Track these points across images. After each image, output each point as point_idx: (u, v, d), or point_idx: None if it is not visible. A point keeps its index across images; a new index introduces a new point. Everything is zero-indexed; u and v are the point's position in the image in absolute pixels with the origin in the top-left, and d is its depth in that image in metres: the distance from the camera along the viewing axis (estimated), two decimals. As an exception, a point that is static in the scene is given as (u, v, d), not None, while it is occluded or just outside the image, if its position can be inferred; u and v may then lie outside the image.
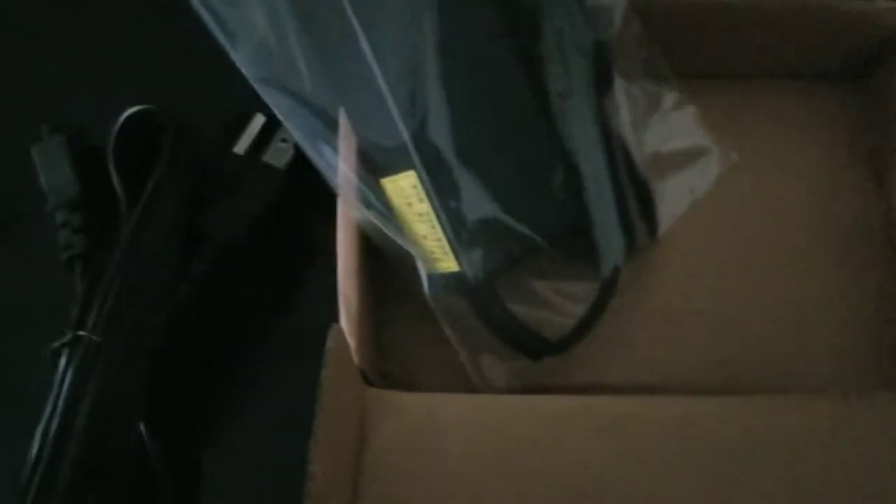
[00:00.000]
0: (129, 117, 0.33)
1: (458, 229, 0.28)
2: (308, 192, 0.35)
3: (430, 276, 0.30)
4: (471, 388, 0.31)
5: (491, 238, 0.29)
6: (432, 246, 0.29)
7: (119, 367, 0.29)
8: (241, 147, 0.35)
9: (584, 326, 0.31)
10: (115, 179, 0.33)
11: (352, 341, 0.28)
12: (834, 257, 0.35)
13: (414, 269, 0.30)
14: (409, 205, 0.29)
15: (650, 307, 0.33)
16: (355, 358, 0.29)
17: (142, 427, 0.30)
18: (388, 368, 0.33)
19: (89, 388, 0.29)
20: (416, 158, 0.27)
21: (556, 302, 0.32)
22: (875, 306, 0.34)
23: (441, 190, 0.28)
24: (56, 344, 0.30)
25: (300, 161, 0.35)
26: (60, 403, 0.29)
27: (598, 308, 0.31)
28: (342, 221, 0.29)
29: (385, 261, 0.32)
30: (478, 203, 0.28)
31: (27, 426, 0.29)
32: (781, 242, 0.35)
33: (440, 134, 0.27)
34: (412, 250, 0.30)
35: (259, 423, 0.33)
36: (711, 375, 0.32)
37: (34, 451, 0.28)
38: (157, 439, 0.30)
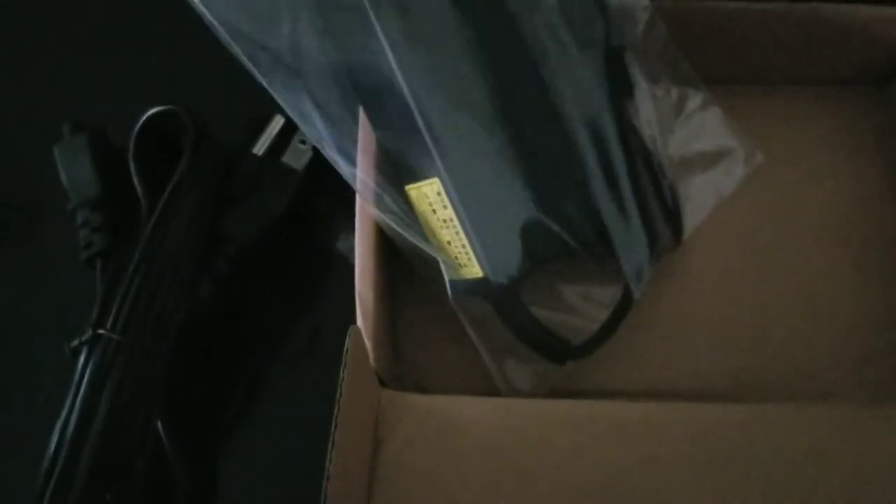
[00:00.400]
0: (150, 117, 0.33)
1: (482, 235, 0.28)
2: (326, 194, 0.36)
3: (454, 281, 0.30)
4: (484, 392, 0.32)
5: (517, 243, 0.29)
6: (456, 252, 0.29)
7: (138, 366, 0.30)
8: (259, 148, 0.35)
9: (607, 330, 0.31)
10: (136, 179, 0.33)
11: (367, 343, 0.28)
12: (851, 264, 0.34)
13: (432, 270, 0.30)
14: (434, 211, 0.29)
15: (672, 312, 0.33)
16: (371, 360, 0.29)
17: (159, 425, 0.30)
18: (401, 371, 0.33)
19: (108, 386, 0.29)
20: (440, 165, 0.27)
21: (581, 306, 0.32)
22: (892, 314, 0.33)
23: (465, 196, 0.28)
24: (76, 342, 0.30)
25: (319, 162, 0.35)
26: (79, 401, 0.29)
27: (620, 312, 0.31)
28: (360, 222, 0.29)
29: (402, 262, 0.32)
30: (508, 206, 0.28)
31: (46, 424, 0.29)
32: (799, 247, 0.35)
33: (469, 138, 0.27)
34: (436, 255, 0.30)
35: (275, 422, 0.33)
36: (729, 380, 0.32)
37: (52, 448, 0.29)
38: (173, 437, 0.31)
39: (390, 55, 0.26)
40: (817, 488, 0.27)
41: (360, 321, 0.28)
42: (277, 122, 0.35)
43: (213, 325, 0.33)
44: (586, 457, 0.28)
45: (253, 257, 0.34)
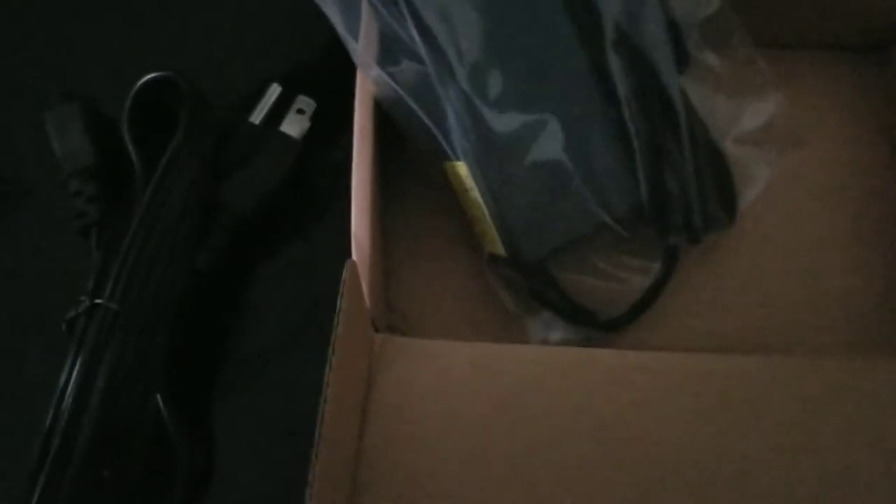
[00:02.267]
0: (145, 83, 0.33)
1: (506, 220, 0.29)
2: (324, 163, 0.35)
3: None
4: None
5: (545, 223, 0.29)
6: (485, 227, 0.30)
7: (137, 337, 0.29)
8: (257, 117, 0.34)
9: (642, 306, 0.32)
10: (131, 147, 0.32)
11: (363, 285, 0.28)
12: (851, 228, 0.34)
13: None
14: (466, 190, 0.30)
15: (697, 279, 0.33)
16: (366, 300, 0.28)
17: (158, 398, 0.30)
18: (394, 321, 0.32)
19: (106, 357, 0.28)
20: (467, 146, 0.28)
21: (613, 272, 0.32)
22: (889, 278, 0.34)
23: (489, 176, 0.28)
24: (73, 312, 0.29)
25: (317, 131, 0.35)
26: (76, 374, 0.28)
27: (656, 288, 0.31)
28: (358, 162, 0.29)
29: (397, 214, 0.32)
30: (539, 184, 0.29)
31: (40, 398, 0.28)
32: (801, 212, 0.35)
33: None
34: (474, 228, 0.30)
35: (276, 393, 0.32)
36: (744, 342, 0.32)
37: (48, 422, 0.28)
38: (173, 410, 0.30)
39: None
40: (806, 434, 0.27)
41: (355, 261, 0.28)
42: (274, 91, 0.35)
43: (212, 295, 0.32)
44: (579, 399, 0.27)
45: (252, 227, 0.33)
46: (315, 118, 0.35)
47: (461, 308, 0.33)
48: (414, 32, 0.28)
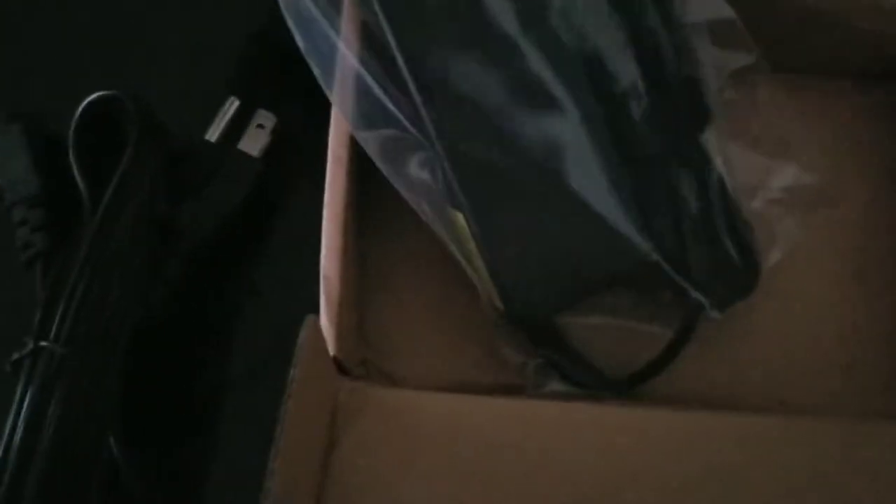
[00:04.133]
0: (89, 104, 0.31)
1: (501, 273, 0.28)
2: (289, 180, 0.33)
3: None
4: (459, 384, 0.30)
5: (554, 274, 0.28)
6: (484, 282, 0.28)
7: (86, 380, 0.27)
8: (213, 133, 0.33)
9: (650, 372, 0.30)
10: (78, 172, 0.30)
11: (329, 328, 0.27)
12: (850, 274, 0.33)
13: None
14: (468, 239, 0.28)
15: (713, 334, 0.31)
16: (331, 347, 0.27)
17: (112, 440, 0.28)
18: (367, 356, 0.31)
19: (53, 402, 0.27)
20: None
21: (633, 331, 0.30)
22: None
23: (487, 233, 0.27)
24: (16, 355, 0.27)
25: (279, 146, 0.33)
26: (22, 420, 0.26)
27: (669, 352, 0.30)
28: (330, 197, 0.28)
29: (375, 242, 0.31)
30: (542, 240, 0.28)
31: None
32: (825, 272, 0.33)
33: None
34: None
35: (238, 426, 0.31)
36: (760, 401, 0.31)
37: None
38: (128, 451, 0.28)
39: None
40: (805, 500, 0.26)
41: (323, 304, 0.27)
42: (232, 105, 0.33)
43: (170, 326, 0.30)
44: (560, 463, 0.26)
45: (211, 252, 0.31)
46: (277, 133, 0.33)
47: (441, 341, 0.31)
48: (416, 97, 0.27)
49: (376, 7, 0.27)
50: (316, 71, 0.27)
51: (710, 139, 0.29)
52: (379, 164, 0.28)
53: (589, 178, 0.27)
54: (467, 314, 0.30)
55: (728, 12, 0.29)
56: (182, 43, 0.36)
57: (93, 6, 0.36)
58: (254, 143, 0.33)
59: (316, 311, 0.27)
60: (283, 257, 0.33)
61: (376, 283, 0.32)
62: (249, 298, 0.32)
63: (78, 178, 0.30)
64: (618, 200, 0.28)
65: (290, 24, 0.27)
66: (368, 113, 0.28)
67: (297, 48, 0.27)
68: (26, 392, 0.27)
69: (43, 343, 0.27)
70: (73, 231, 0.30)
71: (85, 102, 0.31)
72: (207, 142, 0.32)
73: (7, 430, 0.27)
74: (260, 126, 0.33)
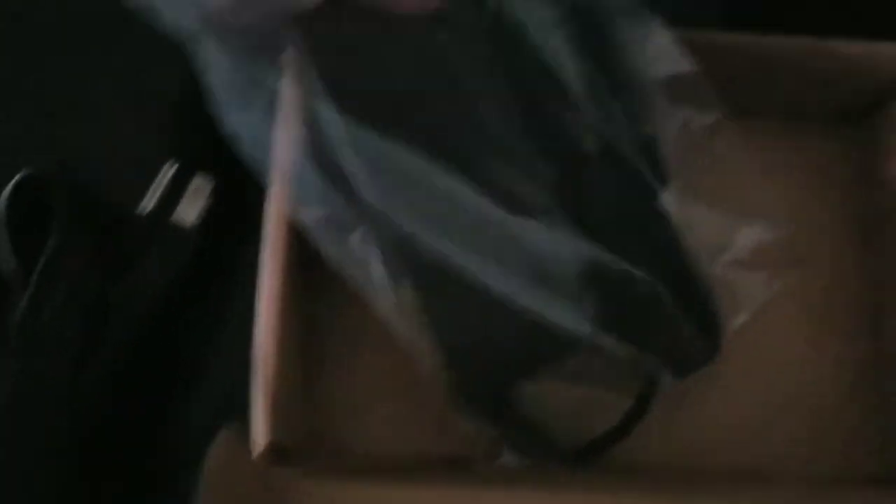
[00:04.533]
0: (16, 184, 0.30)
1: (450, 350, 0.27)
2: (228, 248, 0.32)
3: None
4: (406, 451, 0.30)
5: (501, 349, 0.27)
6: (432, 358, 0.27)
7: (16, 479, 0.27)
8: (150, 201, 0.32)
9: (604, 443, 0.29)
10: (6, 254, 0.29)
11: (264, 408, 0.26)
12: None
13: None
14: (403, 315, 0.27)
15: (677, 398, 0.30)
16: (265, 433, 0.26)
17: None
18: (315, 425, 0.30)
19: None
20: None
21: (589, 401, 0.29)
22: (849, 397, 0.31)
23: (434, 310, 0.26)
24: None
25: (219, 212, 0.32)
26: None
27: (627, 424, 0.29)
28: (269, 254, 0.27)
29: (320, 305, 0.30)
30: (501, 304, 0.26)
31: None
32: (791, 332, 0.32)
33: None
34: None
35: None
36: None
37: None
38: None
39: None
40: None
41: (259, 382, 0.26)
42: (167, 172, 0.32)
43: (106, 413, 0.30)
44: None
45: (148, 329, 0.31)
46: (214, 198, 0.32)
47: (393, 409, 0.30)
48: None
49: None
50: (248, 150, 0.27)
51: (669, 201, 0.28)
52: (318, 241, 0.27)
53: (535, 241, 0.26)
54: (420, 382, 0.29)
55: (687, 66, 0.28)
56: (123, 104, 0.35)
57: (27, 74, 0.35)
58: (191, 208, 0.32)
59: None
60: (226, 325, 0.32)
61: (328, 349, 0.31)
62: (190, 374, 0.31)
63: (6, 261, 0.29)
64: (567, 265, 0.26)
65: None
66: (306, 192, 0.27)
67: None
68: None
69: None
70: (2, 316, 0.29)
71: (11, 183, 0.30)
72: (137, 216, 0.31)
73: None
74: (197, 192, 0.32)
